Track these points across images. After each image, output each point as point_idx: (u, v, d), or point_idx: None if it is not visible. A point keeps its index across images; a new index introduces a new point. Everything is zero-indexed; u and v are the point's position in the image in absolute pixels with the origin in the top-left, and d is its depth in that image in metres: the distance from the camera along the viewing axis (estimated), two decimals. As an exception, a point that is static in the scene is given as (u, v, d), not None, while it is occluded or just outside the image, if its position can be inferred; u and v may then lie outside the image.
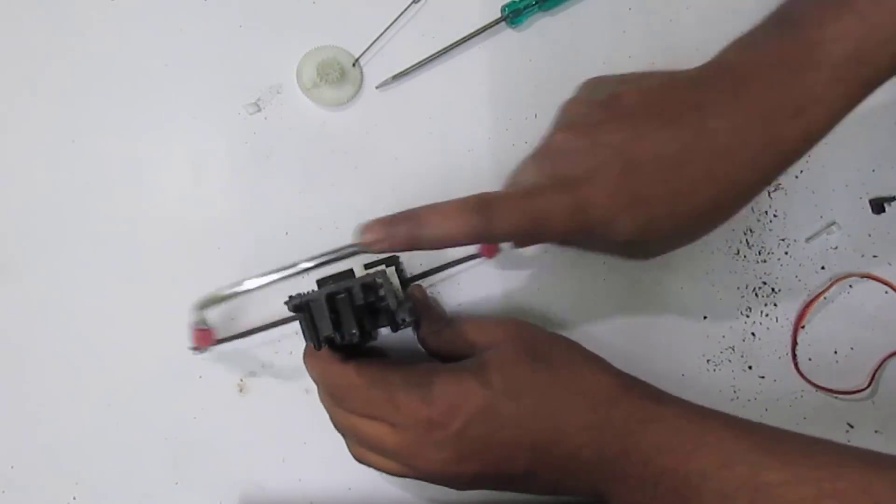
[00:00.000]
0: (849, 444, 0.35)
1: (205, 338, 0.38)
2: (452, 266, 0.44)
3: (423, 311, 0.41)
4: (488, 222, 0.33)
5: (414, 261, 0.44)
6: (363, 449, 0.37)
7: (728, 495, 0.32)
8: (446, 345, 0.39)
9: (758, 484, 0.31)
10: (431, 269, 0.44)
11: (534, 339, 0.38)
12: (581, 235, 0.35)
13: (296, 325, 0.42)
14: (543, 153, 0.36)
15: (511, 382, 0.35)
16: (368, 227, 0.34)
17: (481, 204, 0.34)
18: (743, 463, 0.32)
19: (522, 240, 0.37)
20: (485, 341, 0.38)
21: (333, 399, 0.37)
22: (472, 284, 0.45)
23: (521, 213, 0.33)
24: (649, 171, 0.33)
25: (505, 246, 0.44)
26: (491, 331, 0.38)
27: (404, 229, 0.33)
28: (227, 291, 0.36)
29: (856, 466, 0.31)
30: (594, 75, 0.40)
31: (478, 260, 0.45)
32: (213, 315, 0.42)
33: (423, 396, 0.35)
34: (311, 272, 0.36)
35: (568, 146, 0.35)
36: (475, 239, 0.34)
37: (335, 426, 0.38)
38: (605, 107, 0.36)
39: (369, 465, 0.38)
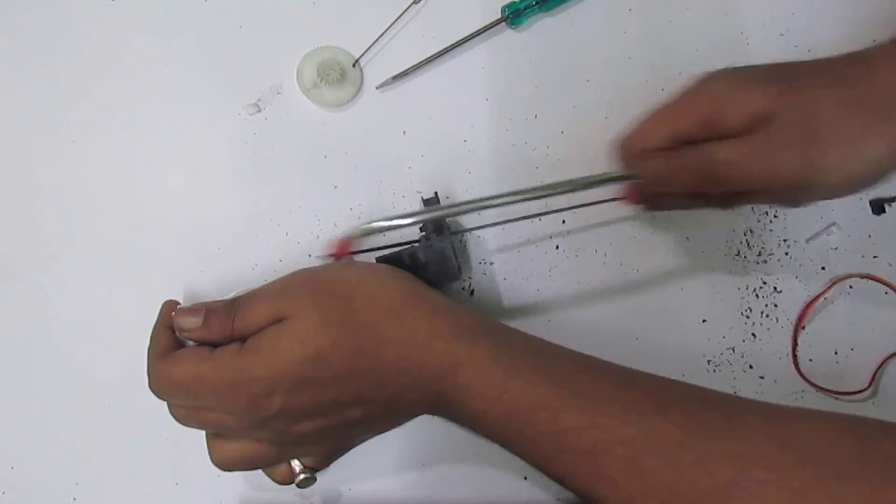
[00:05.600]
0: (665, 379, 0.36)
1: (344, 249, 0.38)
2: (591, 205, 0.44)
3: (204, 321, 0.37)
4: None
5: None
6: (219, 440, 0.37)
7: (532, 439, 0.34)
8: (245, 332, 0.36)
9: (557, 430, 0.33)
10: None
11: (333, 300, 0.35)
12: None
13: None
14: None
15: (319, 350, 0.34)
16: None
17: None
18: (546, 409, 0.33)
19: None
20: (283, 313, 0.35)
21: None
22: (474, 287, 0.45)
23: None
24: (821, 111, 0.35)
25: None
26: (287, 302, 0.35)
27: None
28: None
29: (645, 413, 0.33)
30: (590, 76, 0.40)
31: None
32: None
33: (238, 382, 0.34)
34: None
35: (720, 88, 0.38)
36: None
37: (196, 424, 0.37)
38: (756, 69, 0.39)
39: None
